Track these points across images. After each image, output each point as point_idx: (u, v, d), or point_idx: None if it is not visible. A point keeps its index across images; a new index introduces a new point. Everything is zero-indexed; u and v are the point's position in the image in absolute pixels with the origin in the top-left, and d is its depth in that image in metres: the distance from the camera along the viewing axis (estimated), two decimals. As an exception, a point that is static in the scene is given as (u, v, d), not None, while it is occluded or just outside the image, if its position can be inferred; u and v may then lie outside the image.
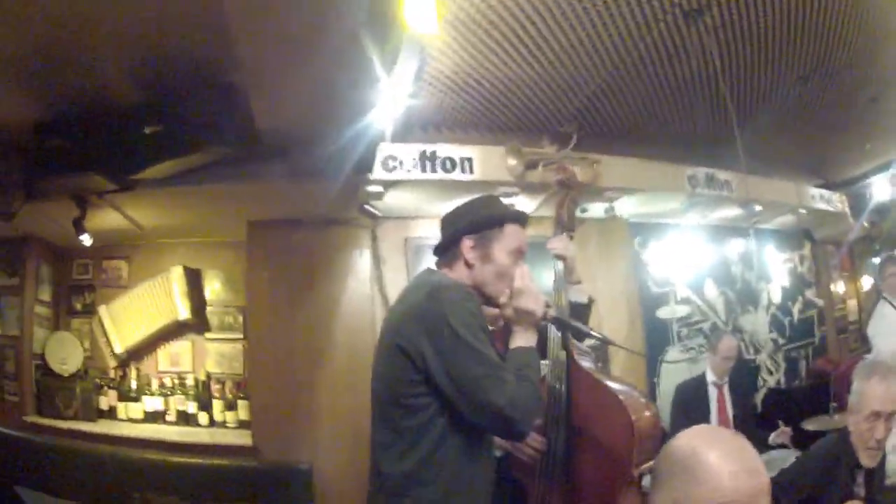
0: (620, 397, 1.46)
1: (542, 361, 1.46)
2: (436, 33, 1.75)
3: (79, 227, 2.57)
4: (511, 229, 1.36)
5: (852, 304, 4.39)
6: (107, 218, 2.73)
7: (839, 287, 4.43)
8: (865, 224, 4.05)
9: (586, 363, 1.58)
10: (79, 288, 3.22)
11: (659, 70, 2.45)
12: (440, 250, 1.40)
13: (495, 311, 1.38)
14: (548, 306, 1.33)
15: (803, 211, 3.68)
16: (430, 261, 1.44)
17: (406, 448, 1.22)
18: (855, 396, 1.58)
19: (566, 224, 1.73)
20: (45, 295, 3.16)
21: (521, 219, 1.40)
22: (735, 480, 0.76)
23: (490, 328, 1.34)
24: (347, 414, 2.56)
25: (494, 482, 1.35)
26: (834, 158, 3.89)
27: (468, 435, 1.24)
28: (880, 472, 1.67)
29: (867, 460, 1.55)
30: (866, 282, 4.40)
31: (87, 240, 2.61)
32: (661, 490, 0.83)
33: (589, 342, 1.64)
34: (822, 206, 3.80)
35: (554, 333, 1.50)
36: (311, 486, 2.58)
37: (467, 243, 1.33)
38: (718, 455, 0.78)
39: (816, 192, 3.81)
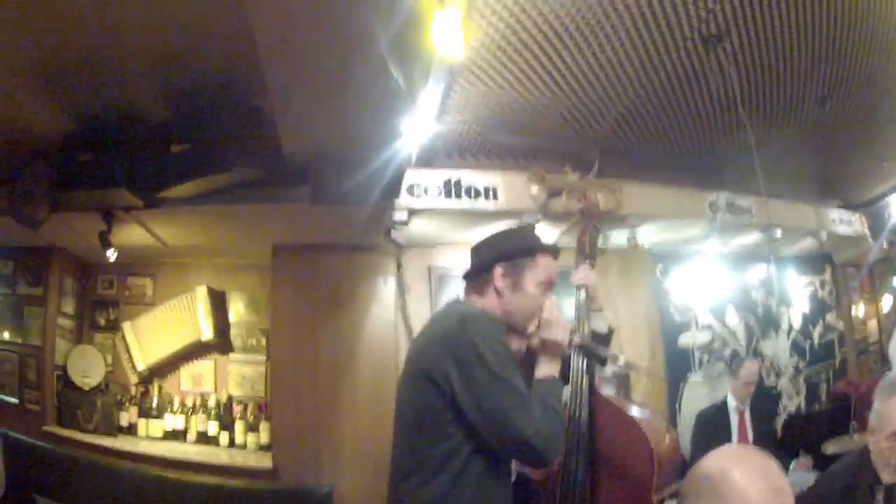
0: (641, 424, 1.48)
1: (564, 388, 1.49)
2: (461, 57, 1.80)
3: (105, 241, 2.62)
4: (543, 261, 1.38)
5: (872, 324, 4.35)
6: (132, 234, 2.79)
7: (860, 309, 4.40)
8: (885, 245, 4.01)
9: (607, 390, 1.62)
10: (103, 303, 3.28)
11: (679, 96, 2.47)
12: (471, 276, 1.41)
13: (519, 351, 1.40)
14: (573, 334, 1.36)
15: (823, 235, 3.67)
16: (452, 290, 1.46)
17: (427, 476, 1.22)
18: (876, 416, 1.57)
19: (588, 252, 1.77)
20: (69, 307, 3.22)
21: (553, 251, 1.43)
22: (761, 498, 0.77)
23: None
24: (369, 439, 2.59)
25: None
26: (852, 179, 3.86)
27: (490, 464, 1.25)
28: None
29: (888, 477, 1.54)
30: (886, 302, 4.36)
31: (112, 254, 2.66)
32: None
33: (611, 368, 1.66)
34: (841, 228, 3.79)
35: (576, 360, 1.51)
36: (330, 511, 2.60)
37: (499, 271, 1.35)
38: (744, 473, 0.79)
39: (836, 214, 3.81)
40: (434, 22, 1.57)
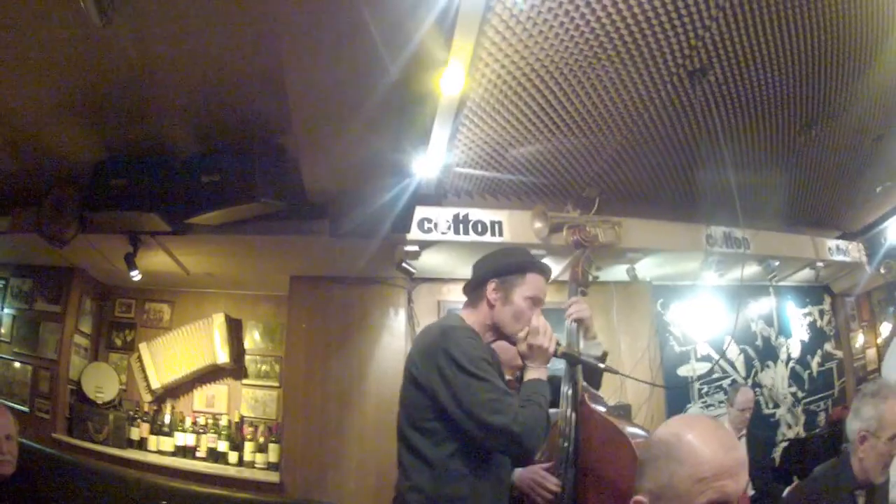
0: (628, 436, 1.54)
1: (552, 410, 1.59)
2: (465, 98, 2.02)
3: (130, 263, 2.84)
4: (532, 278, 1.55)
5: (871, 353, 4.51)
6: (156, 259, 3.02)
7: (858, 338, 4.56)
8: (882, 270, 4.13)
9: (599, 406, 1.69)
10: (120, 325, 3.49)
11: (670, 130, 2.65)
12: (468, 289, 1.61)
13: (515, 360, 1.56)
14: (558, 344, 1.52)
15: (821, 264, 3.84)
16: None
17: (421, 466, 1.41)
18: (870, 421, 1.63)
19: (580, 281, 1.91)
20: (86, 327, 3.44)
21: (542, 270, 1.60)
22: (713, 455, 0.84)
23: (508, 378, 1.55)
24: (374, 460, 2.78)
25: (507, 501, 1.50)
26: (847, 206, 3.92)
27: (477, 457, 1.42)
28: (881, 493, 1.70)
29: (880, 477, 1.63)
30: (885, 329, 4.51)
31: (136, 275, 2.86)
32: (645, 477, 0.89)
33: (608, 394, 1.80)
34: (839, 257, 3.91)
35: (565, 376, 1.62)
36: (334, 525, 2.78)
37: (491, 286, 1.54)
38: (696, 435, 0.86)
39: (833, 243, 3.95)
40: (444, 67, 1.82)
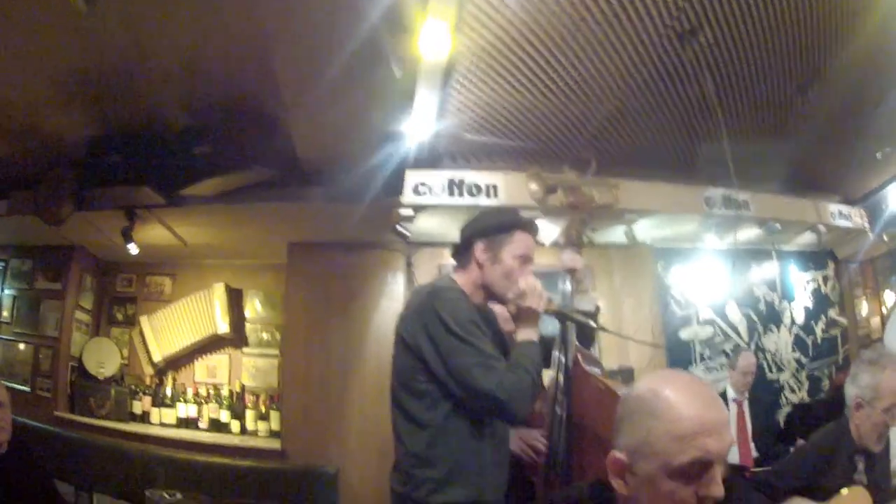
0: (619, 394, 1.54)
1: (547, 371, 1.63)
2: (444, 59, 2.04)
3: (127, 236, 2.90)
4: (520, 236, 1.54)
5: (875, 321, 4.52)
6: (153, 233, 3.07)
7: (862, 305, 4.57)
8: (885, 238, 4.13)
9: (593, 368, 1.73)
10: (121, 299, 3.55)
11: (664, 92, 2.65)
12: (457, 252, 1.61)
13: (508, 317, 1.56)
14: (550, 301, 1.52)
15: (823, 228, 3.83)
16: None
17: (415, 430, 1.42)
18: (868, 389, 1.63)
19: (575, 241, 1.94)
20: (87, 303, 3.50)
21: (530, 227, 1.58)
22: (692, 411, 0.80)
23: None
24: (374, 425, 2.82)
25: (505, 467, 1.51)
26: (848, 172, 3.92)
27: (469, 423, 1.42)
28: (883, 458, 1.72)
29: (877, 446, 1.64)
30: (889, 298, 4.51)
31: (133, 248, 2.92)
32: (623, 433, 0.86)
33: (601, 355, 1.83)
34: (841, 222, 3.90)
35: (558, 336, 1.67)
36: (336, 489, 2.82)
37: (479, 246, 1.53)
38: (674, 390, 0.83)
39: (835, 208, 3.93)
40: (421, 30, 1.83)
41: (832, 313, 4.39)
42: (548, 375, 1.72)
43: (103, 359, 3.38)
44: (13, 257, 3.54)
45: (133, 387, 3.37)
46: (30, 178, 2.88)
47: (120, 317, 3.55)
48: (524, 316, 1.50)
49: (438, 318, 1.40)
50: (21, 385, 3.33)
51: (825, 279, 4.43)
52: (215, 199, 2.73)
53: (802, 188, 3.84)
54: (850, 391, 1.69)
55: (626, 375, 3.12)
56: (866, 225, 4.09)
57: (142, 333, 3.42)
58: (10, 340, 3.43)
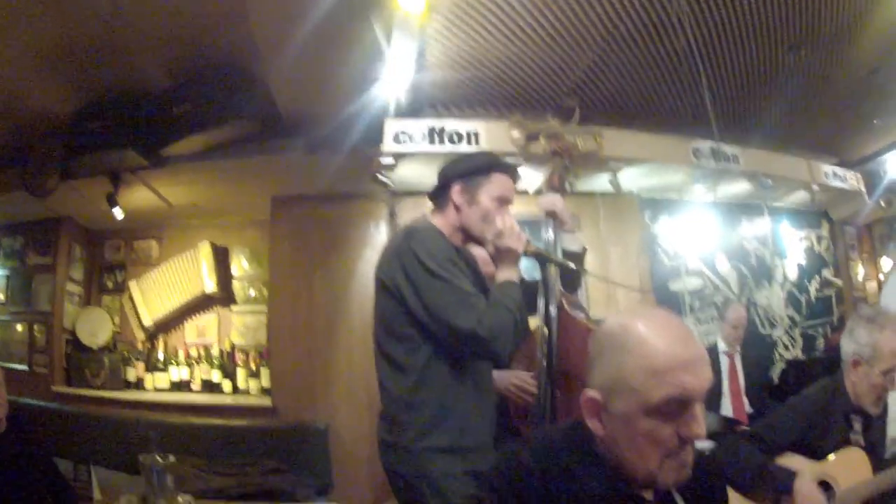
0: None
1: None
2: (421, 11, 2.04)
3: (112, 202, 2.93)
4: (497, 177, 1.52)
5: (872, 286, 4.51)
6: (139, 196, 3.09)
7: (859, 269, 4.56)
8: (882, 204, 4.13)
9: (578, 313, 1.70)
10: (110, 267, 3.58)
11: (649, 44, 2.63)
12: (435, 195, 1.59)
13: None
14: (529, 243, 1.49)
15: (816, 188, 3.83)
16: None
17: (398, 375, 1.41)
18: (866, 347, 1.57)
19: (557, 188, 1.88)
20: (77, 273, 3.53)
21: (508, 169, 1.55)
22: (666, 345, 0.77)
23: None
24: (362, 378, 2.83)
25: (491, 413, 1.50)
26: (845, 136, 3.94)
27: (453, 368, 1.40)
28: (880, 422, 1.66)
29: (874, 409, 1.59)
30: (886, 264, 4.50)
31: (119, 213, 2.95)
32: (595, 371, 0.84)
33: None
34: (835, 183, 3.91)
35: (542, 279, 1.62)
36: (326, 445, 2.85)
37: (456, 188, 1.51)
38: (646, 325, 0.80)
39: (829, 168, 3.94)
40: None
41: (826, 273, 4.38)
42: (534, 322, 1.71)
43: (95, 328, 3.40)
44: (4, 236, 3.57)
45: (126, 353, 3.39)
46: (14, 153, 2.91)
47: (110, 284, 3.58)
48: (503, 256, 1.48)
49: (416, 257, 1.39)
50: (19, 364, 3.36)
51: (819, 238, 4.43)
52: (198, 157, 2.75)
53: (796, 147, 3.84)
54: (848, 347, 1.63)
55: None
56: (862, 188, 4.10)
57: (131, 299, 3.44)
58: (6, 321, 3.46)
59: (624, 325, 0.82)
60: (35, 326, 3.41)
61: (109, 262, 3.59)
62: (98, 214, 3.22)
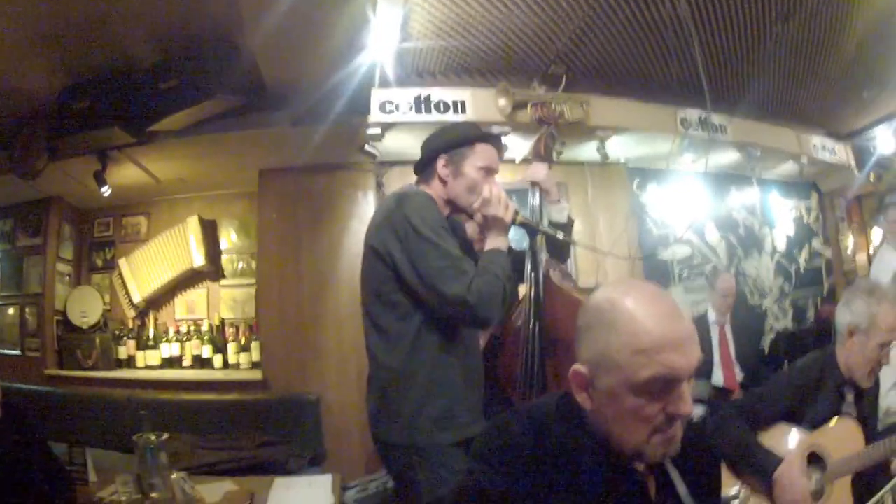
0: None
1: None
2: None
3: (100, 179, 2.92)
4: (482, 148, 1.54)
5: (861, 258, 4.54)
6: (126, 173, 3.08)
7: (848, 241, 4.59)
8: (871, 178, 4.15)
9: (566, 283, 1.73)
10: (99, 245, 3.58)
11: (636, 11, 2.61)
12: (419, 167, 1.60)
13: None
14: (517, 213, 1.51)
15: (804, 159, 3.85)
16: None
17: (387, 343, 1.42)
18: (862, 318, 1.56)
19: (543, 157, 1.92)
20: (67, 253, 3.52)
21: (492, 139, 1.60)
22: (654, 324, 0.76)
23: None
24: (352, 349, 2.85)
25: (480, 382, 1.51)
26: (835, 108, 3.95)
27: (445, 336, 1.42)
28: (871, 399, 1.67)
29: (866, 382, 1.59)
30: (876, 236, 4.53)
31: (107, 190, 2.95)
32: (583, 345, 0.83)
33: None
34: (824, 155, 3.93)
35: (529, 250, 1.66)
36: (318, 417, 2.87)
37: (441, 161, 1.53)
38: (634, 301, 0.78)
39: (818, 140, 3.96)
40: None
41: (816, 244, 4.42)
42: (523, 291, 1.72)
43: (86, 308, 3.40)
44: (-5, 220, 3.56)
45: (116, 332, 3.40)
46: (3, 137, 2.89)
47: (100, 262, 3.58)
48: (491, 225, 1.49)
49: (408, 221, 1.39)
50: (11, 349, 3.36)
51: (808, 209, 4.46)
52: (185, 132, 2.74)
53: (785, 118, 3.84)
54: (843, 317, 1.63)
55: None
56: (852, 162, 4.12)
57: (121, 276, 3.44)
58: (-2, 306, 3.46)
59: (612, 301, 0.80)
60: (27, 309, 3.42)
61: (99, 239, 3.58)
62: (86, 193, 3.21)
